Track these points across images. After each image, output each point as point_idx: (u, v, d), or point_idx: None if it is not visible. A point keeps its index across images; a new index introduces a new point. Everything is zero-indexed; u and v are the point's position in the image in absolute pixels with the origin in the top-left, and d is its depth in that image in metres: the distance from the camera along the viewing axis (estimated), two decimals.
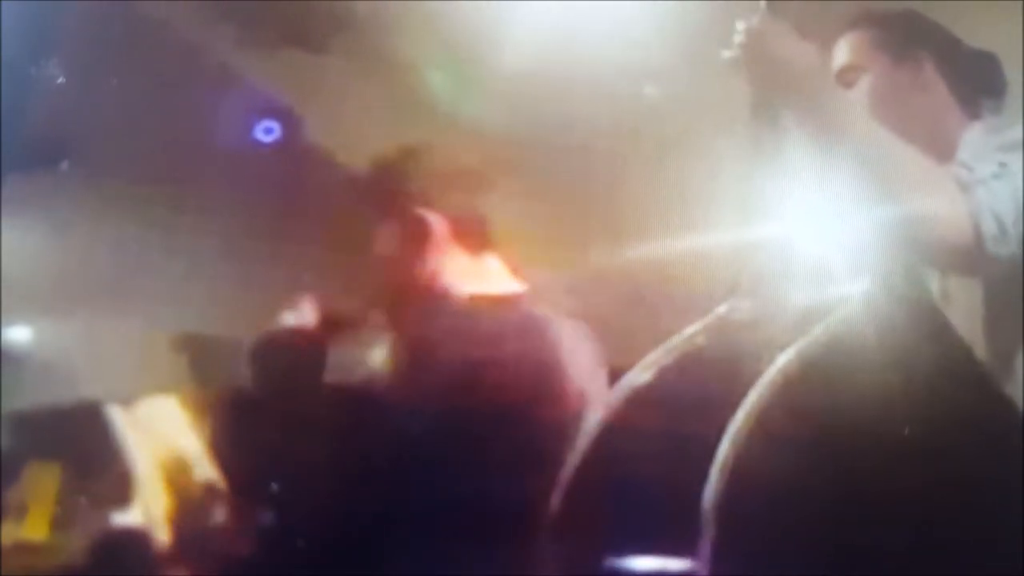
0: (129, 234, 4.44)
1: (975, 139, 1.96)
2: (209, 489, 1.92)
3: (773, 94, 1.79)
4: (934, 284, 1.92)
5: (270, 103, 3.92)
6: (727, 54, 1.83)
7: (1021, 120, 1.90)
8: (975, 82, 2.05)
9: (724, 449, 1.33)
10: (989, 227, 1.68)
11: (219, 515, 1.87)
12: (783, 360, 1.39)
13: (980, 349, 1.85)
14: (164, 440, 2.03)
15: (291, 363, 2.03)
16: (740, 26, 1.83)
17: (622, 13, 2.91)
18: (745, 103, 1.81)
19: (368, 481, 1.71)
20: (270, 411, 2.08)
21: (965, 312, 1.87)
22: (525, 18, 3.05)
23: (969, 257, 1.70)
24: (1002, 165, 1.75)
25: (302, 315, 2.08)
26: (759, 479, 1.31)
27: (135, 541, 2.00)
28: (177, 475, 1.97)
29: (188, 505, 1.92)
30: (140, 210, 4.33)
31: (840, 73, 2.05)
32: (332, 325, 2.01)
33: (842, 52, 2.07)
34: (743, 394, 1.39)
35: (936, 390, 1.42)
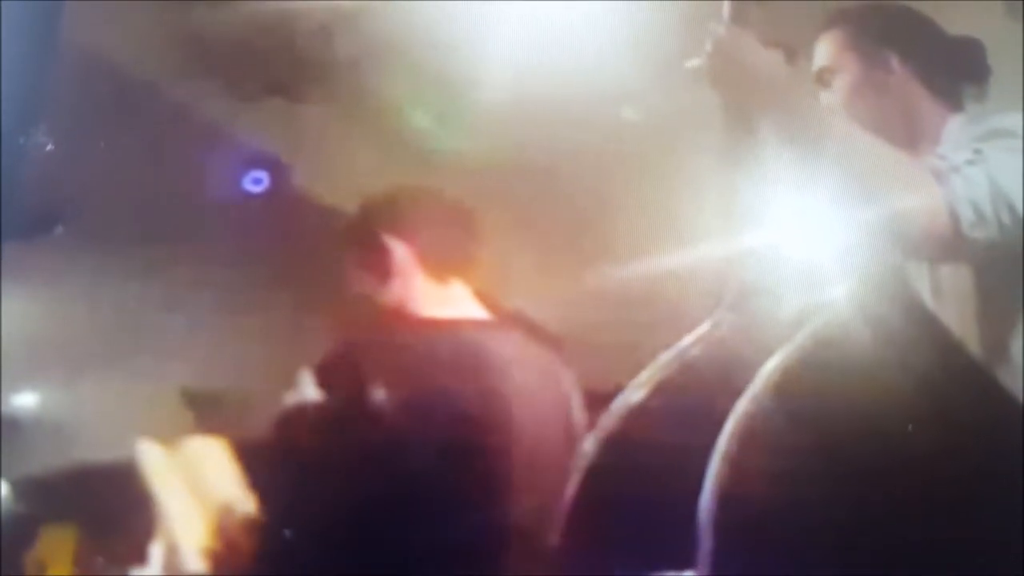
0: (128, 293, 4.46)
1: (957, 130, 1.96)
2: (252, 530, 1.89)
3: (745, 103, 1.80)
4: (924, 279, 1.93)
5: (257, 154, 3.95)
6: (693, 63, 1.85)
7: (1002, 109, 1.91)
8: (955, 72, 2.05)
9: (716, 460, 1.34)
10: (965, 213, 1.69)
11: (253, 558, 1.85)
12: (768, 368, 1.40)
13: (974, 339, 1.85)
14: (206, 481, 1.99)
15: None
16: (708, 38, 1.85)
17: (594, 41, 2.94)
18: (719, 116, 1.82)
19: (374, 517, 1.71)
20: (275, 457, 2.08)
21: (957, 304, 1.88)
22: (501, 52, 3.07)
23: (949, 244, 1.71)
24: (976, 152, 1.76)
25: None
26: (752, 487, 1.31)
27: None
28: (221, 518, 1.94)
29: (229, 550, 1.89)
30: (137, 268, 4.35)
31: (818, 74, 2.07)
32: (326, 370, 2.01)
33: (819, 53, 2.08)
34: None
35: (928, 387, 1.41)
